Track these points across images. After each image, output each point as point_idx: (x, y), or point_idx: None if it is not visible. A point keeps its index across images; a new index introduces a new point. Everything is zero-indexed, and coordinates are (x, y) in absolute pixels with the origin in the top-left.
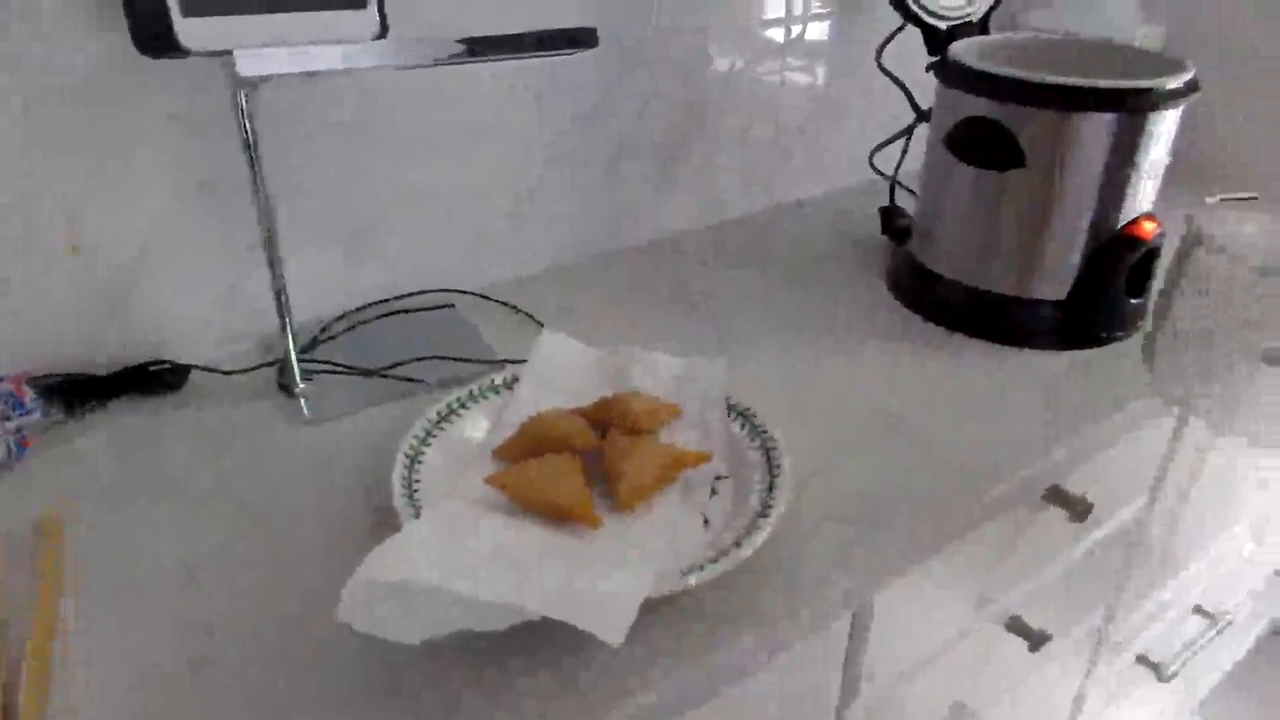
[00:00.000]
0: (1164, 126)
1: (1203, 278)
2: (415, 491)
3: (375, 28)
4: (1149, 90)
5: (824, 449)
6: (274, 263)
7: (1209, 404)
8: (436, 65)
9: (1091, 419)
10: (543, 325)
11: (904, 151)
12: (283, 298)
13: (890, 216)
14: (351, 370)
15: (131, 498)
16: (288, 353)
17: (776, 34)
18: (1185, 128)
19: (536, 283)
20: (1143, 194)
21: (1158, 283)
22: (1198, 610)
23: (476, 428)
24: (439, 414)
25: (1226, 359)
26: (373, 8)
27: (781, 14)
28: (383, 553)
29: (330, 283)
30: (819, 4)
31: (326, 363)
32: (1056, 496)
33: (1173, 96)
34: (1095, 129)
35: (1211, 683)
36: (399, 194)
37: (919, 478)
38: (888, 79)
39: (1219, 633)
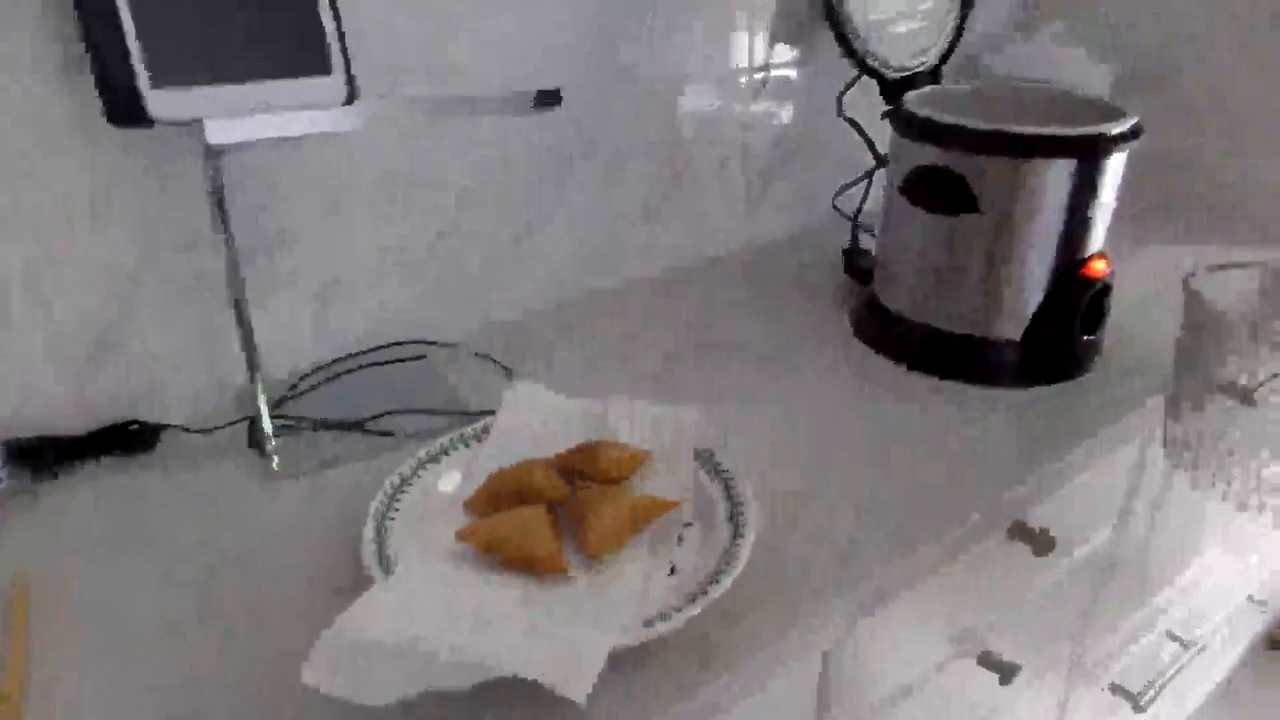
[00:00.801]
0: (1110, 170)
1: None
2: (386, 549)
3: (343, 92)
4: (1095, 137)
5: (791, 490)
6: (243, 320)
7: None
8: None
9: (1052, 454)
10: (515, 374)
11: (865, 194)
12: (252, 354)
13: (853, 258)
14: (323, 425)
15: (104, 558)
16: (258, 409)
17: (748, 80)
18: (1137, 163)
19: (511, 330)
20: (1094, 234)
21: (1111, 320)
22: (1171, 636)
23: (448, 481)
24: (410, 469)
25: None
26: (339, 73)
27: (751, 61)
28: (349, 614)
29: (304, 336)
30: (788, 52)
31: (299, 418)
32: (1020, 531)
33: (1117, 141)
34: (1044, 175)
35: (1188, 711)
36: (373, 245)
37: (885, 517)
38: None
39: (1193, 658)
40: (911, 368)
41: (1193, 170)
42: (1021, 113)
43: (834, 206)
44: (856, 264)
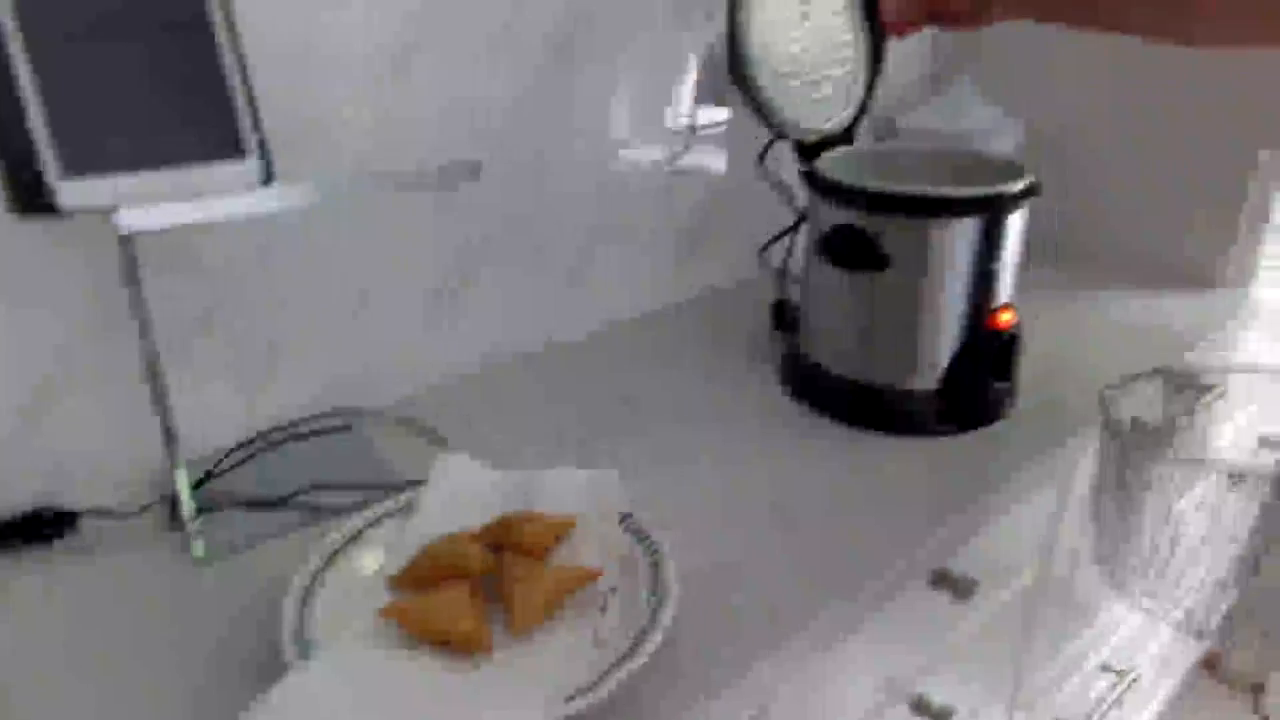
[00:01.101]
0: (1011, 227)
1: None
2: (307, 631)
3: (258, 176)
4: (995, 197)
5: (716, 549)
6: (161, 401)
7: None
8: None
9: (972, 499)
10: (446, 441)
11: (789, 249)
12: (172, 434)
13: (779, 310)
14: (247, 503)
15: (14, 649)
16: (178, 490)
17: (674, 139)
18: (1044, 214)
19: (441, 396)
20: (1000, 287)
21: (1024, 367)
22: (1106, 668)
23: (373, 557)
24: (333, 546)
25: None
26: (254, 157)
27: (677, 120)
28: (263, 701)
29: (228, 412)
30: (714, 110)
31: (222, 496)
32: (942, 578)
33: (1016, 200)
34: (949, 233)
35: None
36: (298, 316)
37: (811, 571)
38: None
39: (1129, 688)
40: (836, 420)
41: (1094, 219)
42: (930, 172)
43: (760, 259)
44: (783, 316)
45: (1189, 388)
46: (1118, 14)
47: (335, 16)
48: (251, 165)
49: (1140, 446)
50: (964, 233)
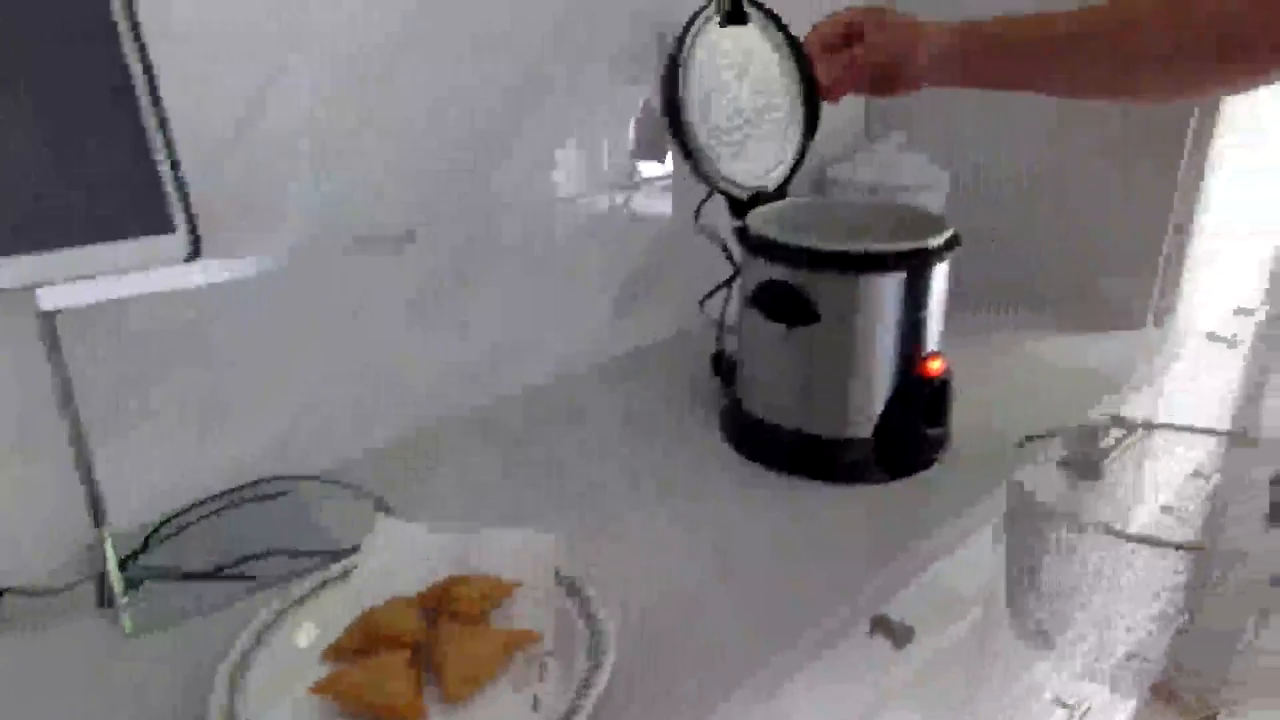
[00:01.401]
0: (935, 278)
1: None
2: (238, 709)
3: (186, 250)
4: (918, 251)
5: (657, 603)
6: (87, 471)
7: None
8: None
9: (904, 547)
10: (387, 504)
11: (726, 300)
12: (99, 507)
13: (718, 361)
14: (179, 576)
15: None
16: (106, 565)
17: (616, 192)
18: (974, 261)
19: (382, 458)
20: (928, 335)
21: (955, 412)
22: (1058, 703)
23: (307, 629)
24: (267, 619)
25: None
26: (183, 231)
27: (617, 175)
28: None
29: (160, 482)
30: (655, 163)
31: (154, 569)
32: (881, 625)
33: (939, 253)
34: (875, 287)
35: None
36: (232, 383)
37: (751, 622)
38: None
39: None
40: (776, 469)
41: (1022, 265)
42: (859, 226)
43: (701, 309)
44: (723, 367)
45: (1096, 445)
46: (1061, 81)
47: (275, 87)
48: (179, 239)
49: (1041, 513)
50: (890, 286)
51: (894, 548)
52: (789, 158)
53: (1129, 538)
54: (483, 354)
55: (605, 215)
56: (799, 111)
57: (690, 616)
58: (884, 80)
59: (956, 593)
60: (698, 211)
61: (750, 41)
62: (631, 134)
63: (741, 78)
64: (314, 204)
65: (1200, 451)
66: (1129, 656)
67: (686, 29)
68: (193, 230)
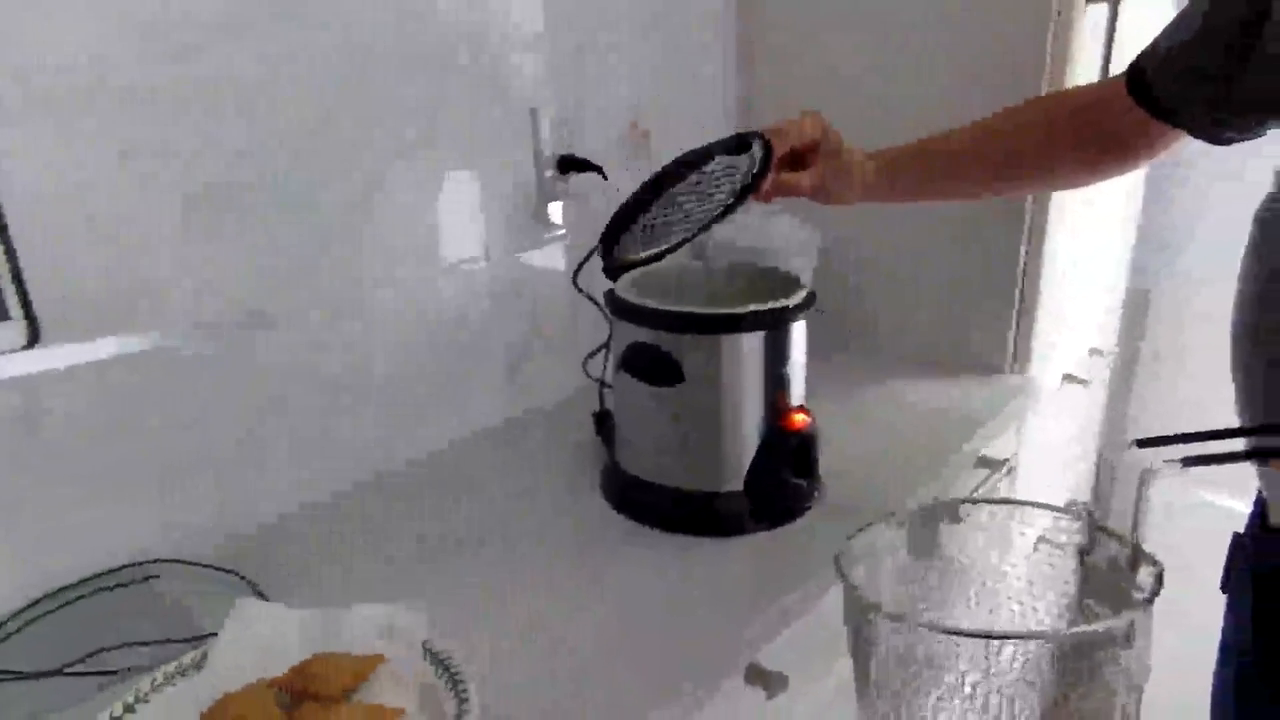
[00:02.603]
0: (794, 335)
1: None
2: None
3: (23, 338)
4: (776, 310)
5: (533, 670)
6: None
7: None
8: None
9: (782, 592)
10: (257, 587)
11: (605, 361)
12: None
13: (600, 421)
14: (25, 675)
15: None
16: None
17: (493, 261)
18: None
19: (254, 540)
20: (791, 390)
21: (824, 463)
22: None
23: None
24: (112, 716)
25: None
26: (18, 318)
27: (491, 244)
28: None
29: (8, 576)
30: (532, 228)
31: (2, 667)
32: (755, 674)
33: (795, 312)
34: (736, 347)
35: None
36: (83, 472)
37: (630, 677)
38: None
39: None
40: (653, 526)
41: (894, 317)
42: (722, 288)
43: (584, 371)
44: (604, 427)
45: (936, 525)
46: (966, 190)
47: (126, 167)
48: (17, 325)
49: (867, 606)
50: (750, 345)
51: (768, 595)
52: (679, 239)
53: (947, 630)
54: (359, 431)
55: (494, 279)
56: (712, 214)
57: (566, 680)
58: (818, 195)
59: (826, 642)
60: (575, 275)
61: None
62: (517, 196)
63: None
64: (178, 289)
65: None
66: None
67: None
68: (30, 316)
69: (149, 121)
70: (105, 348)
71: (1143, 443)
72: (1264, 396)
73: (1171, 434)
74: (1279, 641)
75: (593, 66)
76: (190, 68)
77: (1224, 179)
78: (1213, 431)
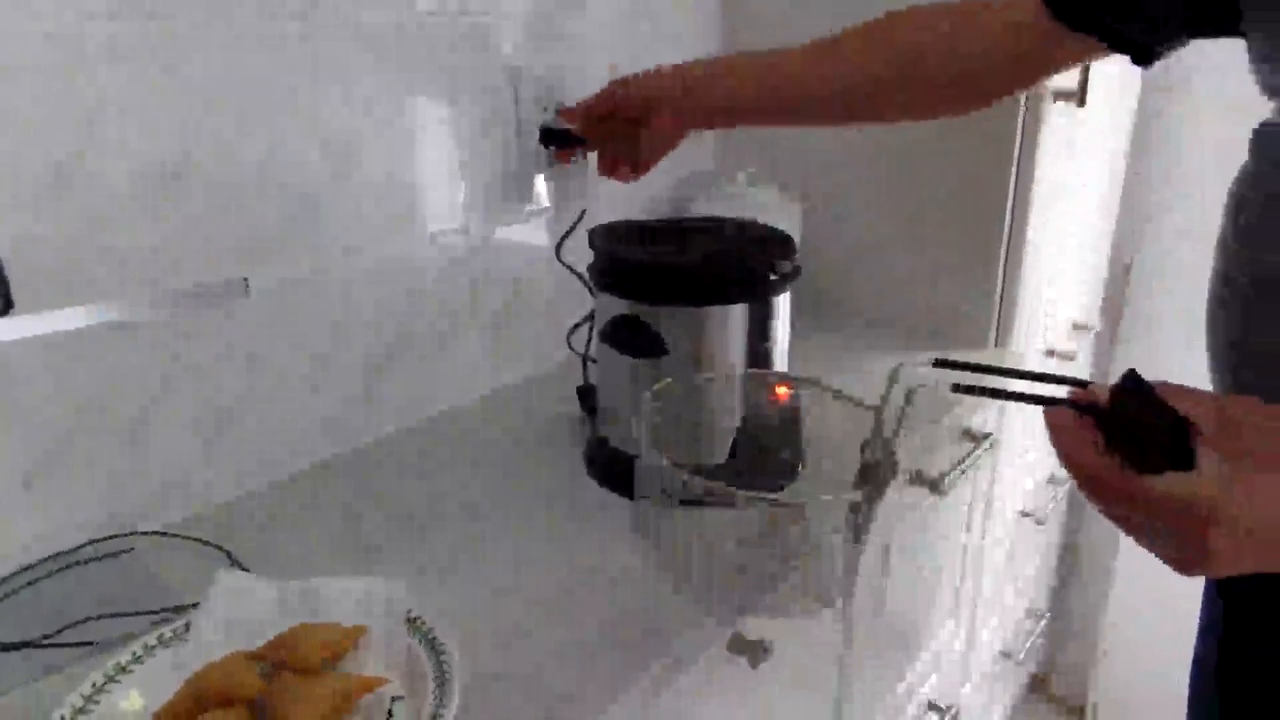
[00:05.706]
0: (778, 307)
1: None
2: None
3: None
4: (757, 282)
5: (510, 644)
6: None
7: None
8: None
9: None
10: (237, 558)
11: (589, 334)
12: None
13: (584, 395)
14: (5, 647)
15: None
16: None
17: (472, 233)
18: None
19: (233, 511)
20: (775, 361)
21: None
22: (932, 706)
23: (141, 691)
24: (94, 685)
25: None
26: None
27: (472, 216)
28: None
29: None
30: (516, 202)
31: None
32: (737, 643)
33: (780, 283)
34: (719, 318)
35: None
36: (58, 438)
37: (611, 649)
38: None
39: None
40: (635, 499)
41: (872, 287)
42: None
43: (568, 344)
44: (588, 401)
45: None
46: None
47: (95, 133)
48: None
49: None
50: (734, 316)
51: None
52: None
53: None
54: (339, 402)
55: (474, 251)
56: None
57: (549, 651)
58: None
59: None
60: (558, 248)
61: None
62: (499, 168)
63: None
64: (153, 254)
65: (1053, 460)
66: (1002, 655)
67: None
68: (4, 285)
69: (116, 84)
70: (74, 318)
71: (940, 363)
72: (1231, 377)
73: (968, 361)
74: (1244, 609)
75: (573, 28)
76: (157, 26)
77: (1208, 148)
78: (1001, 368)
